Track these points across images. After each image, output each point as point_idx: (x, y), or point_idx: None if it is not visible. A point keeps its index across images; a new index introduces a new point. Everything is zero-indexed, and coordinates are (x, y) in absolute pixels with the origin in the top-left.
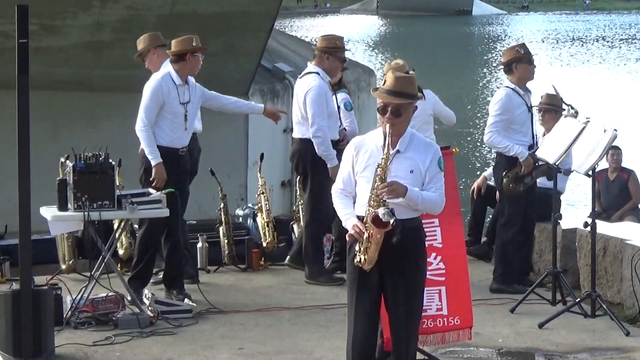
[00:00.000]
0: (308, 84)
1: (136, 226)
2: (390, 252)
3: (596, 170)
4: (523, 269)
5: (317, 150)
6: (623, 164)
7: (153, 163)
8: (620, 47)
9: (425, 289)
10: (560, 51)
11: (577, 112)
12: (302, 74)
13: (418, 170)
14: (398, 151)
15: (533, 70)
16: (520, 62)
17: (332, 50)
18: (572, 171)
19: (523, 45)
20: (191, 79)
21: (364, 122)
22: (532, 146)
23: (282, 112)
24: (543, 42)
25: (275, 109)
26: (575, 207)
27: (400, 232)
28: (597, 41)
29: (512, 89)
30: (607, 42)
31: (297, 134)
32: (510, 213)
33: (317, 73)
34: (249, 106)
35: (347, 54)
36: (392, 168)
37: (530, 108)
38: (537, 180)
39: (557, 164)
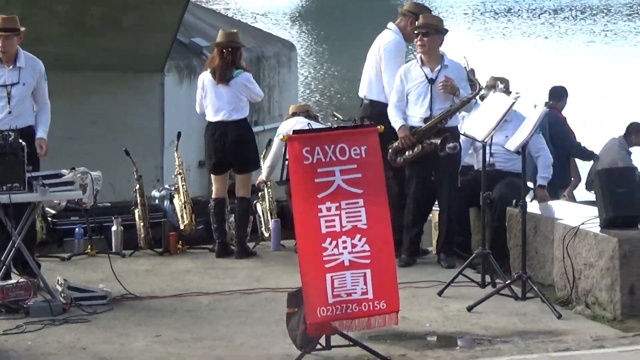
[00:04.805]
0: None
1: (48, 209)
2: None
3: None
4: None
5: None
6: None
7: None
8: (553, 17)
9: (350, 272)
10: (492, 24)
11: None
12: None
13: None
14: None
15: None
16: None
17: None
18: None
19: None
20: (30, 61)
21: (285, 97)
22: (428, 119)
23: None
24: (467, 14)
25: (43, 141)
26: None
27: None
28: (541, 13)
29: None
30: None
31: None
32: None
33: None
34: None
35: (267, 28)
36: None
37: (430, 80)
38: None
39: (485, 140)
